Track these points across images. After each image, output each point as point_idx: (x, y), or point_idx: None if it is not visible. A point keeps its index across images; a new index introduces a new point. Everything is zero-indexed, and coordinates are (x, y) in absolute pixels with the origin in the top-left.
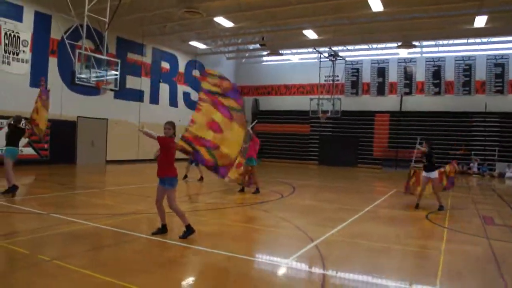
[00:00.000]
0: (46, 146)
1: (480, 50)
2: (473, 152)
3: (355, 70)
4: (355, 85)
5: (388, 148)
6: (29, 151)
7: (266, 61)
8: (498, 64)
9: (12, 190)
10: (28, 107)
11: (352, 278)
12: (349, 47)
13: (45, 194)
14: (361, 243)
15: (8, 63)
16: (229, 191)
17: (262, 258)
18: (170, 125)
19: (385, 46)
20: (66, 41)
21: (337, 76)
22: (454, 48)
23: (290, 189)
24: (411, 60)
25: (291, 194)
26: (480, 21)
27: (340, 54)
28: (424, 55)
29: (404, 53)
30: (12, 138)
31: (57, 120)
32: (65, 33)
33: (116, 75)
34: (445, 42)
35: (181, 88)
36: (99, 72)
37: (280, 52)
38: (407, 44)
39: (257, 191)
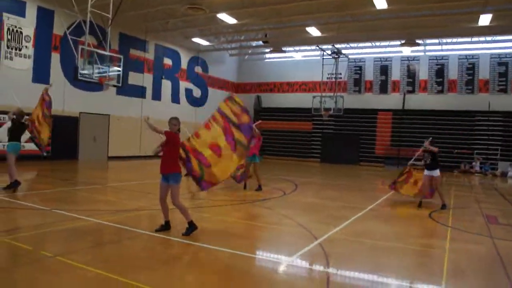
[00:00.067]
0: (44, 154)
1: (484, 48)
2: (475, 151)
3: (358, 68)
4: (358, 83)
5: (390, 146)
6: (31, 146)
7: (269, 58)
8: (501, 63)
9: (14, 185)
10: (30, 102)
11: (357, 277)
12: (352, 45)
13: (47, 190)
14: (364, 241)
15: (11, 59)
16: (231, 188)
17: (266, 256)
18: (176, 120)
19: (388, 44)
20: (69, 37)
21: (340, 73)
22: (458, 46)
23: (292, 187)
24: (414, 58)
25: (293, 191)
26: (485, 20)
27: (343, 51)
28: (427, 53)
29: (407, 51)
30: (15, 133)
31: (60, 116)
32: (68, 28)
33: (119, 71)
34: (449, 40)
35: (183, 85)
36: (102, 68)
37: (283, 49)
38: (411, 42)
39: (259, 188)
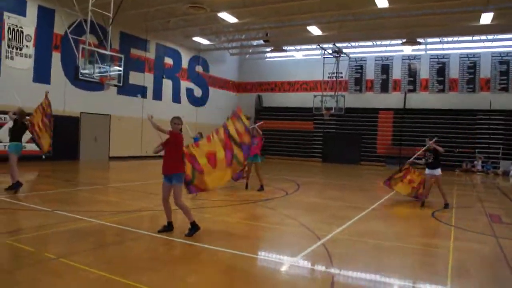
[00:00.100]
0: (43, 157)
1: (485, 47)
2: (477, 150)
3: (359, 67)
4: (359, 82)
5: (391, 145)
6: (32, 147)
7: (270, 57)
8: (503, 62)
9: (15, 187)
10: (31, 101)
11: (361, 277)
12: (353, 44)
13: (49, 191)
14: (368, 241)
15: (12, 58)
16: (233, 188)
17: (269, 256)
18: (179, 119)
19: (389, 43)
20: (70, 36)
21: (341, 73)
22: (459, 45)
23: (294, 187)
24: (415, 57)
25: (295, 191)
26: (486, 18)
27: (344, 50)
28: (428, 52)
29: (408, 50)
30: (16, 133)
31: (60, 116)
32: (68, 28)
33: (120, 70)
34: (450, 39)
35: (184, 84)
36: (103, 68)
37: (283, 48)
38: (412, 41)
39: (261, 188)
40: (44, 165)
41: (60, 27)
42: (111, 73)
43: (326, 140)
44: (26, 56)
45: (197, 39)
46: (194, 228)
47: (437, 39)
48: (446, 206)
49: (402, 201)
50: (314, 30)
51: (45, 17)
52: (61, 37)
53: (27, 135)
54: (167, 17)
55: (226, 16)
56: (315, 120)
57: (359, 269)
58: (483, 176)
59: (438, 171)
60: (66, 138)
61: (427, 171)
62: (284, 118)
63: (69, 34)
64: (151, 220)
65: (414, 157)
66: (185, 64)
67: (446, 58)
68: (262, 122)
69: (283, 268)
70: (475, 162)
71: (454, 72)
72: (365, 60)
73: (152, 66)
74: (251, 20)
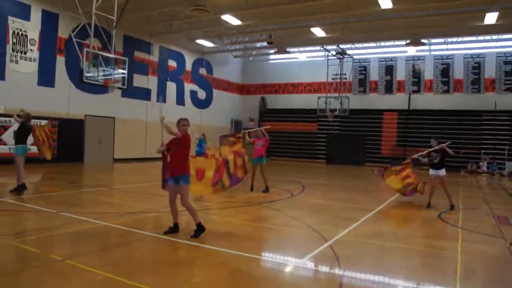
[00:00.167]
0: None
1: (490, 47)
2: (482, 151)
3: (362, 68)
4: (363, 83)
5: (396, 146)
6: (36, 149)
7: (273, 59)
8: (508, 62)
9: (20, 189)
10: (35, 105)
11: (370, 279)
12: (357, 45)
13: (54, 193)
14: (375, 243)
15: (16, 62)
16: (238, 190)
17: (276, 258)
18: (187, 121)
19: (393, 43)
20: (74, 40)
21: (345, 74)
22: (463, 45)
23: (299, 188)
24: (419, 58)
25: (300, 192)
26: (491, 18)
27: (348, 52)
28: (432, 52)
29: (412, 51)
30: (22, 136)
31: (65, 118)
32: (72, 31)
33: (124, 73)
34: (454, 39)
35: (188, 87)
36: (107, 71)
37: (287, 50)
38: (416, 42)
39: (266, 190)
40: (49, 167)
41: (64, 31)
42: (115, 76)
43: (330, 141)
44: (30, 60)
45: (200, 41)
46: (200, 229)
47: (441, 40)
48: (452, 207)
49: (407, 203)
50: (318, 32)
51: (49, 21)
52: (65, 41)
53: (30, 138)
54: (170, 20)
55: (230, 19)
56: (319, 121)
57: (367, 271)
58: (488, 177)
59: (442, 172)
60: (71, 140)
61: (431, 171)
62: (288, 120)
63: (73, 37)
64: (156, 222)
65: (419, 154)
66: (188, 66)
67: (450, 58)
68: (268, 126)
69: (291, 270)
70: (481, 163)
71: (458, 72)
72: (369, 61)
73: (156, 68)
74: (255, 22)
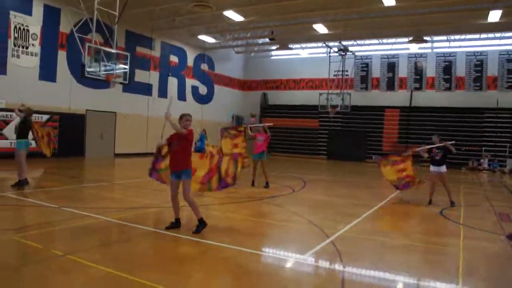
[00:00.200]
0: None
1: (492, 45)
2: (483, 148)
3: (364, 65)
4: (365, 80)
5: (397, 143)
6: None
7: (275, 55)
8: (510, 60)
9: (22, 183)
10: (37, 99)
11: (372, 275)
12: (359, 42)
13: (55, 188)
14: (376, 239)
15: (18, 56)
16: (239, 185)
17: (277, 254)
18: (190, 116)
19: (396, 41)
20: (76, 35)
21: (347, 70)
22: (466, 43)
23: (301, 184)
24: (421, 55)
25: (302, 188)
26: (495, 16)
27: (350, 48)
28: (435, 50)
29: (414, 48)
30: (23, 130)
31: (66, 113)
32: (74, 26)
33: (126, 68)
34: (457, 37)
35: (190, 82)
36: (108, 66)
37: (289, 46)
38: (418, 39)
39: (267, 185)
40: (50, 162)
41: (66, 26)
42: (117, 71)
43: (332, 137)
44: (32, 54)
45: (202, 37)
46: (201, 225)
47: (444, 37)
48: (452, 204)
49: (409, 199)
50: (320, 28)
51: (51, 16)
52: (67, 36)
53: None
54: (172, 16)
55: (232, 15)
56: (321, 118)
57: (369, 267)
58: (489, 174)
59: (443, 168)
60: (72, 135)
61: (432, 168)
62: (289, 116)
63: (75, 32)
64: (157, 217)
65: (421, 148)
66: (190, 62)
67: (452, 56)
68: (272, 123)
69: (292, 266)
70: (482, 160)
71: (461, 70)
72: (371, 58)
73: (157, 64)
74: (257, 18)
